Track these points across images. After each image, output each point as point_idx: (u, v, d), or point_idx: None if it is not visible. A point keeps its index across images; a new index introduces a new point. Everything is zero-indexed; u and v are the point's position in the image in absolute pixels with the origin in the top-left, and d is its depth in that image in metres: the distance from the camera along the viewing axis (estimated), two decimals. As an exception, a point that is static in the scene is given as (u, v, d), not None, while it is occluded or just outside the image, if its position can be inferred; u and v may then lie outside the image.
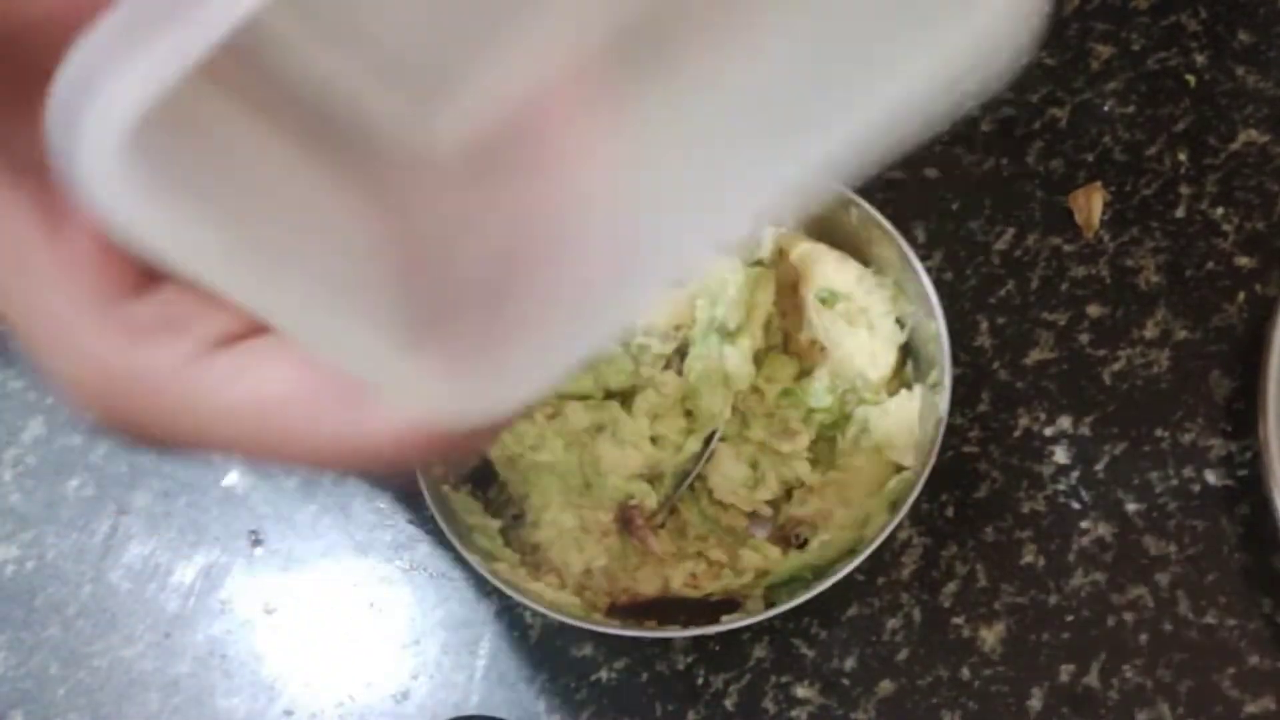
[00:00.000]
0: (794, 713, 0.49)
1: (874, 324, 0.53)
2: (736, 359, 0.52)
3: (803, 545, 0.51)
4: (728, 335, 0.52)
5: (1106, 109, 0.60)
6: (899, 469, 0.51)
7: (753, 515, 0.53)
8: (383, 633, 0.51)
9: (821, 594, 0.51)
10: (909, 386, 0.52)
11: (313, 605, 0.51)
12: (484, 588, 0.52)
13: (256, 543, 0.53)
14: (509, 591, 0.47)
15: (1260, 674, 0.49)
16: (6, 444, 0.54)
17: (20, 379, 0.55)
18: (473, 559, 0.47)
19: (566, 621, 0.48)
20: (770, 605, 0.48)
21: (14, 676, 0.50)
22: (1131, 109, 0.60)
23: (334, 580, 0.52)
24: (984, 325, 0.56)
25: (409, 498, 0.53)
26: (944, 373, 0.50)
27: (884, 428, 0.52)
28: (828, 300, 0.53)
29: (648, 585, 0.50)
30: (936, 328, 0.51)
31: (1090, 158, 0.59)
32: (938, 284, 0.57)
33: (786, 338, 0.55)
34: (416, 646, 0.51)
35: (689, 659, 0.50)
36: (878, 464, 0.52)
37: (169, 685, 0.50)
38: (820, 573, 0.48)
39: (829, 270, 0.53)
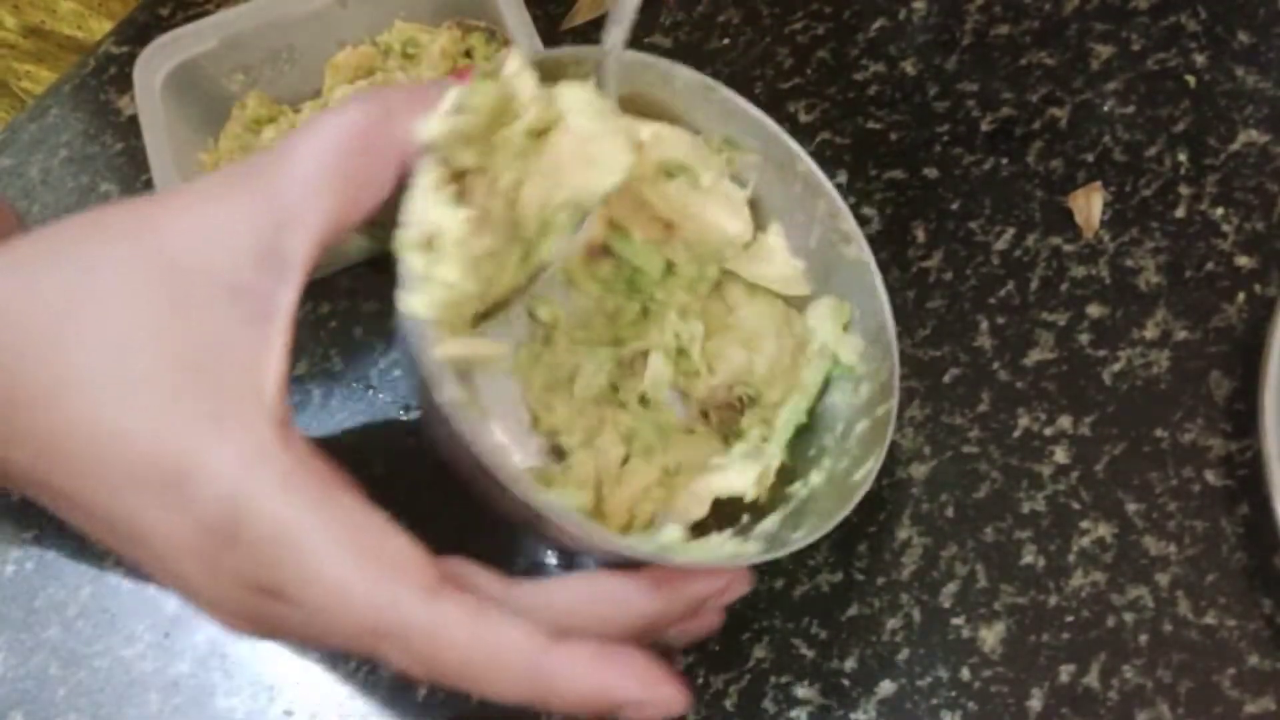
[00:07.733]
0: (794, 713, 0.49)
1: (720, 184, 0.50)
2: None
3: (746, 408, 0.49)
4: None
5: (1106, 109, 0.60)
6: (789, 301, 0.50)
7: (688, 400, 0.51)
8: (383, 633, 0.51)
9: (821, 594, 0.51)
10: (763, 230, 0.51)
11: (313, 605, 0.51)
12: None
13: (256, 543, 0.53)
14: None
15: (1260, 674, 0.49)
16: (6, 444, 0.54)
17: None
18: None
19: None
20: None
21: (14, 677, 0.50)
22: (1131, 109, 0.60)
23: (334, 580, 0.52)
24: (984, 325, 0.56)
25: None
26: (814, 180, 0.48)
27: (753, 270, 0.50)
28: (674, 172, 0.49)
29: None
30: (792, 152, 0.48)
31: (1090, 158, 0.59)
32: (937, 284, 0.57)
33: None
34: (416, 646, 0.51)
35: (689, 659, 0.50)
36: (766, 302, 0.51)
37: (169, 685, 0.50)
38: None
39: (669, 142, 0.49)
